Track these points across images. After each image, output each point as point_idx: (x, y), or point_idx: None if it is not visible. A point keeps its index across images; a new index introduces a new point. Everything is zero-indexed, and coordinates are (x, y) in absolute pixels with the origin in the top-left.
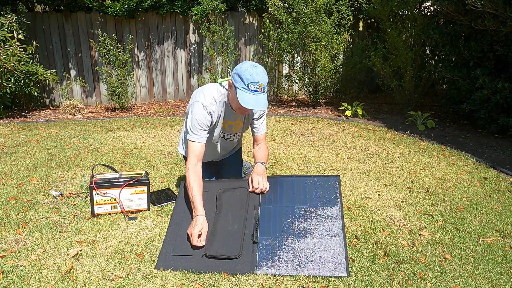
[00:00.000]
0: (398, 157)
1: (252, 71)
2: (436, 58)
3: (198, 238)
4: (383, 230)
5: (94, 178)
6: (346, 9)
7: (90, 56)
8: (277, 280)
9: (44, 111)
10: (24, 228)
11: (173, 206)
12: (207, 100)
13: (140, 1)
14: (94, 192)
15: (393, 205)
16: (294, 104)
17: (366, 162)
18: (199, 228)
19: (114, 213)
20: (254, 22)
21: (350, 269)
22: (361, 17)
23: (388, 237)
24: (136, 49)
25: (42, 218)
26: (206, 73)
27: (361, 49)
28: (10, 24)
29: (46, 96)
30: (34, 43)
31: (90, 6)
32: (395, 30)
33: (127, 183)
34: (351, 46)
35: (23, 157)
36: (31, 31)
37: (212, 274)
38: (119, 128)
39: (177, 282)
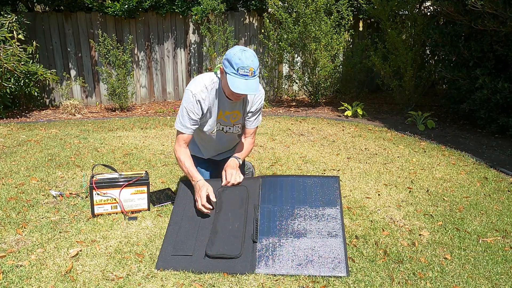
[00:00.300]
0: (398, 157)
1: (241, 55)
2: (436, 58)
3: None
4: (383, 230)
5: (94, 178)
6: (346, 9)
7: (90, 56)
8: (277, 280)
9: (44, 111)
10: (24, 228)
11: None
12: (197, 88)
13: (140, 1)
14: (94, 192)
15: (393, 205)
16: (294, 104)
17: (366, 162)
18: (204, 189)
19: (114, 213)
20: (254, 22)
21: (350, 269)
22: (361, 17)
23: (388, 237)
24: (136, 49)
25: (42, 218)
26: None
27: (361, 49)
28: (10, 24)
29: (46, 96)
30: (34, 43)
31: (90, 6)
32: (395, 30)
33: (127, 183)
34: (351, 46)
35: (23, 157)
36: (31, 31)
37: (212, 274)
38: (119, 128)
39: (177, 282)
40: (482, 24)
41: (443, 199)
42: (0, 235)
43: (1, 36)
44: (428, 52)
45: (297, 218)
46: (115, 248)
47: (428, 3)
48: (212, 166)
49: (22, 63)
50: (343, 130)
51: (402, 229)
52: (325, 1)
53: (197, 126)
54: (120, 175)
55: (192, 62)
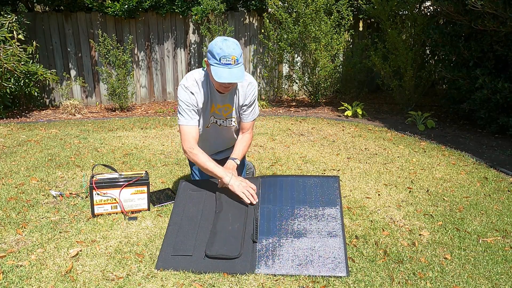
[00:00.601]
0: (398, 157)
1: (222, 45)
2: (436, 58)
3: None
4: (383, 230)
5: (94, 178)
6: (346, 9)
7: (90, 56)
8: (277, 280)
9: (44, 111)
10: (24, 228)
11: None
12: (188, 81)
13: (140, 1)
14: (94, 192)
15: (393, 205)
16: (294, 104)
17: (366, 162)
18: (243, 183)
19: (114, 213)
20: (254, 22)
21: (350, 269)
22: (361, 17)
23: (388, 237)
24: (136, 49)
25: (42, 218)
26: None
27: (361, 49)
28: (10, 24)
29: (46, 96)
30: (34, 43)
31: (90, 6)
32: (395, 30)
33: (127, 183)
34: (351, 46)
35: (23, 157)
36: (31, 31)
37: (212, 274)
38: (119, 128)
39: (177, 282)
40: (482, 24)
41: (443, 199)
42: (0, 235)
43: (1, 36)
44: (428, 52)
45: (297, 218)
46: (115, 248)
47: (428, 3)
48: None
49: (22, 63)
50: (343, 130)
51: (402, 229)
52: (325, 1)
53: (198, 118)
54: (120, 175)
55: (192, 62)
